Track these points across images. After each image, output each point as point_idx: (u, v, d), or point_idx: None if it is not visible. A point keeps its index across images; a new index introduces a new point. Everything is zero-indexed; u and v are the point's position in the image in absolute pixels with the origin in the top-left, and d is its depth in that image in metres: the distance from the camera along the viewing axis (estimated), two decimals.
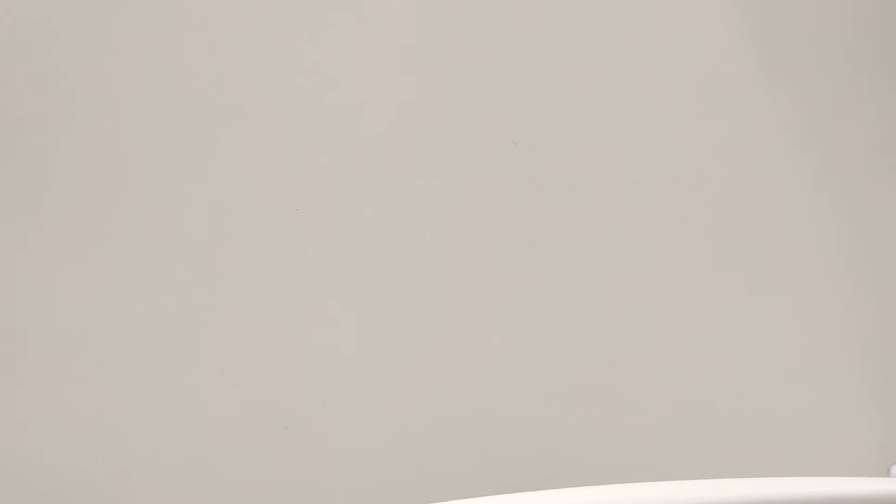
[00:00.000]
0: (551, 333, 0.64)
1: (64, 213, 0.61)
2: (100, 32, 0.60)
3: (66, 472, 0.60)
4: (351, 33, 0.62)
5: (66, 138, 0.61)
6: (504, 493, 0.54)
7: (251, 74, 0.62)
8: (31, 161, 0.60)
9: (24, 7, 0.59)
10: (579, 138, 0.65)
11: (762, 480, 0.61)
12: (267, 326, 0.62)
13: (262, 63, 0.62)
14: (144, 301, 0.61)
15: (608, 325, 0.65)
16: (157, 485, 0.61)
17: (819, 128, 0.67)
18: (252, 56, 0.61)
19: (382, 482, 0.62)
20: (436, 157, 0.63)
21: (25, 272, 0.61)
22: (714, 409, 0.65)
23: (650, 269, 0.65)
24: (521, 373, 0.64)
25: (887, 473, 0.65)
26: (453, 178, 0.63)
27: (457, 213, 0.63)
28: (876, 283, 0.67)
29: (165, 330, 0.61)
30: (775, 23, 0.66)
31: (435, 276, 0.63)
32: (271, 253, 0.62)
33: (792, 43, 0.67)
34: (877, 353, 0.67)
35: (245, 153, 0.62)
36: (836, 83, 0.68)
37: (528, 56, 0.64)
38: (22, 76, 0.60)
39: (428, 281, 0.63)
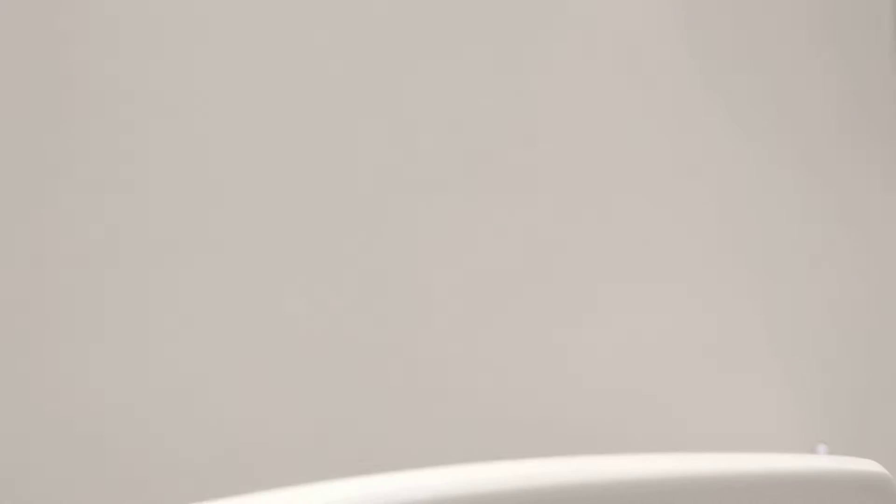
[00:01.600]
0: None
1: None
2: None
3: None
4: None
5: None
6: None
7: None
8: None
9: None
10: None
11: (691, 455, 0.62)
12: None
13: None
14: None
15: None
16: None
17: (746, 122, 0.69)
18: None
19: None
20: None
21: None
22: (640, 391, 0.65)
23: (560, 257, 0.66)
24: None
25: (813, 452, 0.67)
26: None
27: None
28: (791, 262, 0.68)
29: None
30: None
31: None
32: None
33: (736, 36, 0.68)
34: (803, 334, 0.68)
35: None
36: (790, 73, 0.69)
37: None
38: None
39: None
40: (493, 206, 0.64)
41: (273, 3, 0.60)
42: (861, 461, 0.62)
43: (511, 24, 0.63)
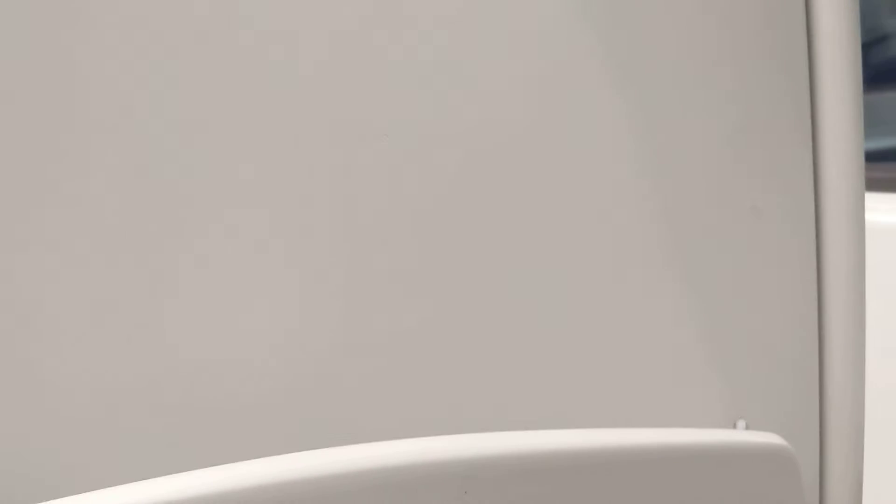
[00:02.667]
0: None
1: None
2: None
3: None
4: None
5: None
6: None
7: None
8: None
9: None
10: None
11: (614, 430, 0.68)
12: None
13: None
14: None
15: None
16: None
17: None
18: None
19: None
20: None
21: None
22: (567, 361, 0.68)
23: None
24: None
25: (734, 427, 0.72)
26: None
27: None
28: (718, 236, 0.72)
29: None
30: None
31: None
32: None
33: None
34: (725, 312, 0.72)
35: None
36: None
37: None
38: None
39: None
40: None
41: None
42: (764, 434, 0.69)
43: None
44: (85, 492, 0.55)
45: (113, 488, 0.55)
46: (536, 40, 0.66)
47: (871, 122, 0.85)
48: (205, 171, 0.61)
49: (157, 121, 0.60)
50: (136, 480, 0.56)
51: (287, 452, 0.59)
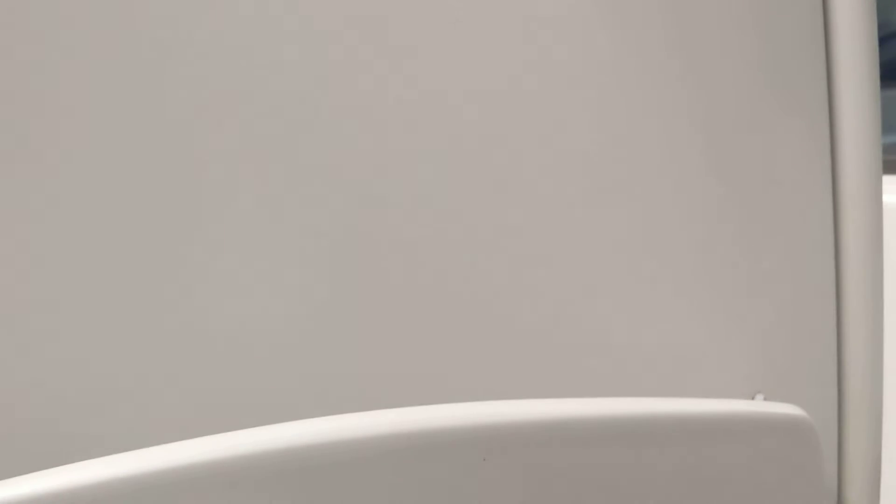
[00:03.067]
0: None
1: None
2: None
3: None
4: None
5: None
6: None
7: None
8: None
9: None
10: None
11: (634, 399, 0.68)
12: None
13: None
14: None
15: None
16: None
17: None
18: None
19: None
20: None
21: None
22: (590, 334, 0.69)
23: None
24: None
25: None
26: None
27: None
28: (739, 213, 0.72)
29: None
30: None
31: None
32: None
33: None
34: (745, 286, 0.72)
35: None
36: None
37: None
38: None
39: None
40: None
41: None
42: (784, 405, 0.69)
43: None
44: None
45: (102, 458, 0.55)
46: (536, 34, 0.66)
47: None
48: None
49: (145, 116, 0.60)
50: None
51: (305, 418, 0.60)
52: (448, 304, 0.65)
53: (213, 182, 0.61)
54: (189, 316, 0.62)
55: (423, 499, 0.59)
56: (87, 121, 0.59)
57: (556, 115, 0.66)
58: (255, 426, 0.58)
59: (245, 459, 0.56)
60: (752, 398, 0.71)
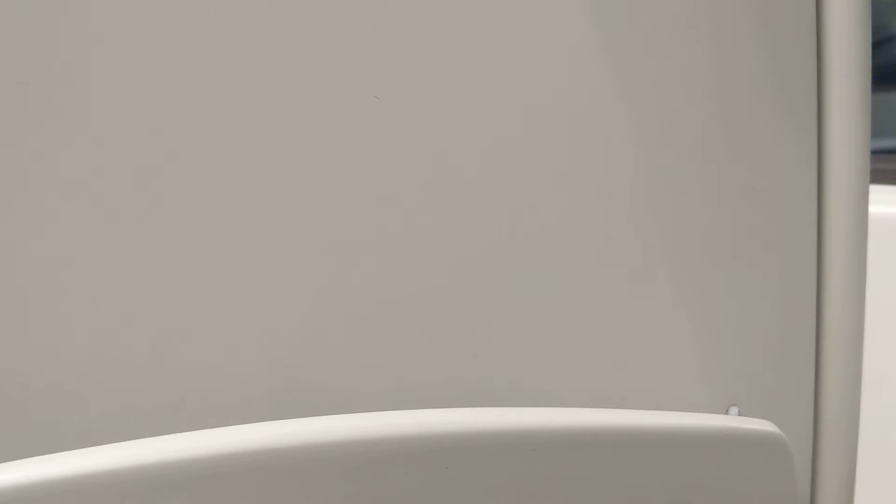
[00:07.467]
0: None
1: None
2: None
3: None
4: None
5: None
6: None
7: None
8: None
9: None
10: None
11: (605, 410, 0.67)
12: None
13: None
14: None
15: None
16: None
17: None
18: None
19: None
20: None
21: None
22: (563, 344, 0.68)
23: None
24: None
25: (726, 414, 0.71)
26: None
27: None
28: (719, 225, 0.71)
29: None
30: None
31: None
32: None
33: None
34: (721, 299, 0.71)
35: None
36: None
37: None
38: None
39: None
40: None
41: None
42: (757, 421, 0.68)
43: None
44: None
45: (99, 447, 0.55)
46: (535, 37, 0.65)
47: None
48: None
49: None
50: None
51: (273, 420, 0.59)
52: (419, 308, 0.64)
53: (208, 180, 0.60)
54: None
55: None
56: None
57: (537, 117, 0.65)
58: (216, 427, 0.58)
59: (200, 461, 0.56)
60: (727, 411, 0.70)
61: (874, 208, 0.80)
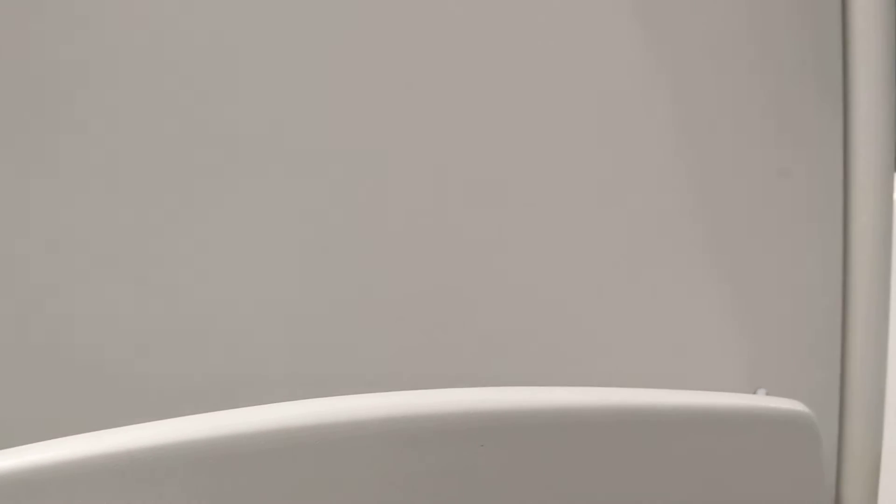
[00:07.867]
0: None
1: None
2: None
3: None
4: None
5: None
6: None
7: None
8: None
9: None
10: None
11: (635, 390, 0.68)
12: None
13: None
14: None
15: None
16: None
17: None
18: None
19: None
20: None
21: None
22: (597, 326, 0.68)
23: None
24: None
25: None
26: None
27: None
28: (745, 208, 0.71)
29: None
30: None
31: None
32: None
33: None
34: (750, 283, 0.72)
35: None
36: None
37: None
38: None
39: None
40: None
41: None
42: (786, 401, 0.68)
43: None
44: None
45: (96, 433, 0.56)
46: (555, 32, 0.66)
47: None
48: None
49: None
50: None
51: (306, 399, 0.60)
52: (454, 296, 0.65)
53: (207, 178, 0.61)
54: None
55: (418, 484, 0.59)
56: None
57: (555, 115, 0.66)
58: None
59: (247, 437, 0.56)
60: (755, 393, 0.71)
61: None
